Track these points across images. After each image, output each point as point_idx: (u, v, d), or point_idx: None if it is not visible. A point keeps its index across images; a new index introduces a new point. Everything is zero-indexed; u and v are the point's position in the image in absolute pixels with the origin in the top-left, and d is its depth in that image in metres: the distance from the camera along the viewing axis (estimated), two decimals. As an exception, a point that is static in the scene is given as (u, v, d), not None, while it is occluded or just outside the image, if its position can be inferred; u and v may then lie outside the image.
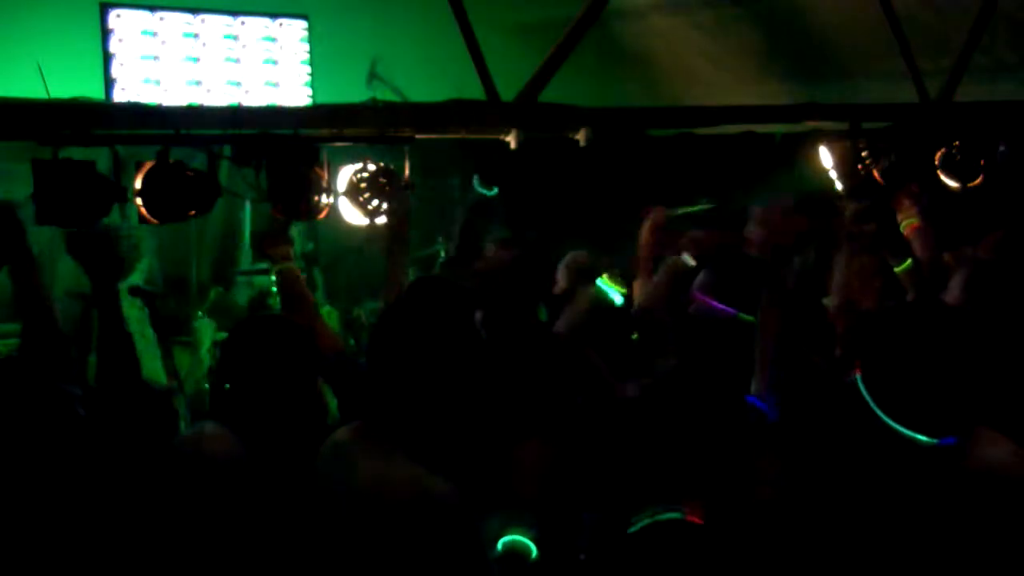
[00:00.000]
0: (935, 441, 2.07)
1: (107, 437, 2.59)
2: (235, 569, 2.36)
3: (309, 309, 3.28)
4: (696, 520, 2.13)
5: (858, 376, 2.16)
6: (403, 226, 3.55)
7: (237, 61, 5.44)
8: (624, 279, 3.04)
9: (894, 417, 2.09)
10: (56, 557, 2.26)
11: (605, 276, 3.02)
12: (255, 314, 5.37)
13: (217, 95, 5.33)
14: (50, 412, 2.37)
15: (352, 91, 4.89)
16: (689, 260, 3.30)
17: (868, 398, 2.12)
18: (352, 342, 6.03)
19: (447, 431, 2.18)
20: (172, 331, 5.27)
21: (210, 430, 2.53)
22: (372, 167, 3.63)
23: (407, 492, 2.05)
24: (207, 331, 5.59)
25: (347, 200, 3.64)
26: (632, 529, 2.19)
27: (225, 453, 2.45)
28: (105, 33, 5.04)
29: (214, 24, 5.37)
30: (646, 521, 2.16)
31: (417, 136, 3.72)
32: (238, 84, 5.43)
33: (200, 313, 5.70)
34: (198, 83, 5.33)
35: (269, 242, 3.36)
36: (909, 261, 3.90)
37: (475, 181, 4.33)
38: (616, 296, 3.03)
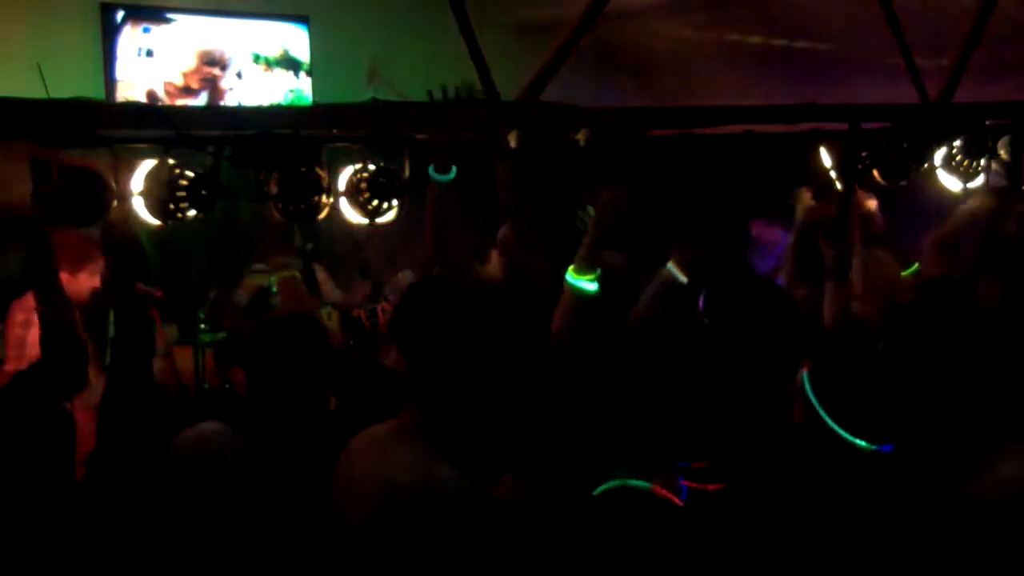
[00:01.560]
0: (873, 448, 2.00)
1: (114, 437, 2.60)
2: (237, 566, 2.36)
3: (311, 312, 3.30)
4: (662, 494, 2.13)
5: (804, 374, 2.11)
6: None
7: (237, 62, 5.45)
8: (592, 264, 2.88)
9: (837, 420, 2.03)
10: (56, 557, 2.26)
11: (571, 268, 2.90)
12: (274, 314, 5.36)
13: (217, 95, 5.34)
14: (51, 426, 2.37)
15: (352, 91, 4.89)
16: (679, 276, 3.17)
17: (812, 397, 2.06)
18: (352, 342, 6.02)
19: (486, 429, 2.17)
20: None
21: (210, 428, 2.53)
22: (372, 167, 3.63)
23: (411, 482, 2.05)
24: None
25: (347, 200, 3.64)
26: (598, 491, 2.22)
27: (225, 450, 2.45)
28: (105, 33, 5.05)
29: (214, 26, 5.38)
30: (614, 484, 2.19)
31: (417, 136, 3.72)
32: (239, 84, 5.43)
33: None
34: (197, 84, 5.33)
35: (269, 250, 3.36)
36: (916, 265, 3.90)
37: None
38: (588, 285, 2.89)
